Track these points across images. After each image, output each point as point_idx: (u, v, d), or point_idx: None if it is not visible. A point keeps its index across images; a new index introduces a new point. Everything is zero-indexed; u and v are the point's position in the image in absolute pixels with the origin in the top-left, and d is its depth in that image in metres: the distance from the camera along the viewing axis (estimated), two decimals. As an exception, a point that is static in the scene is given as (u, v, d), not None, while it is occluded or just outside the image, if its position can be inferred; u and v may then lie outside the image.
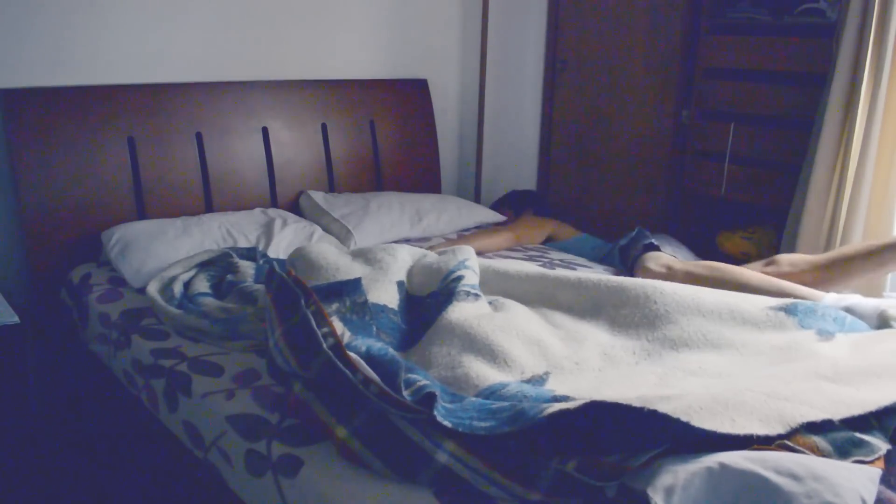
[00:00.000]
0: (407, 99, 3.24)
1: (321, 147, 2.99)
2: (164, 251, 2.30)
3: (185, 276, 2.17)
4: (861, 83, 2.18)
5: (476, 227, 2.98)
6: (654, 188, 2.90)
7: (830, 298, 1.88)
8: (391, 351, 1.54)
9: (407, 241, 2.70)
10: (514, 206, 3.14)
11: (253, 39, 2.85)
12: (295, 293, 1.58)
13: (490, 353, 1.59)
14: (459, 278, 1.88)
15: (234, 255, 2.26)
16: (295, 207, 2.89)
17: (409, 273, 2.01)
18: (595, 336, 1.73)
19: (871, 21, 2.14)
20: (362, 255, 2.03)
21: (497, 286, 2.01)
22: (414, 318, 1.85)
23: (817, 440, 1.26)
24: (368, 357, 1.49)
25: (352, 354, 1.45)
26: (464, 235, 2.83)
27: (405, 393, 1.37)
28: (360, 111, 3.09)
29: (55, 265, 2.44)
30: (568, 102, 3.16)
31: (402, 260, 2.03)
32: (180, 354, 1.85)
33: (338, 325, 1.65)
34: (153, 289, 2.09)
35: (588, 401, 1.23)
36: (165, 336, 1.95)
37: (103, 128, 2.51)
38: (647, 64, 2.84)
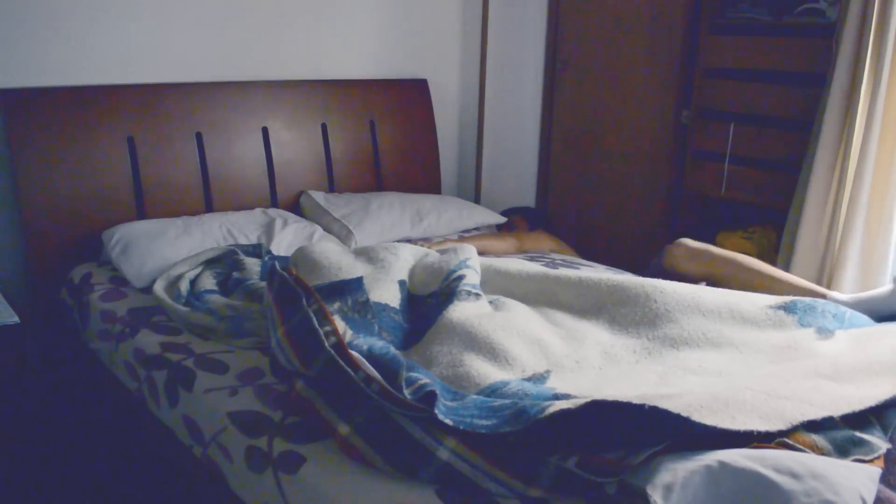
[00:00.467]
0: (407, 99, 3.24)
1: (321, 147, 2.99)
2: (165, 251, 2.30)
3: (192, 274, 2.18)
4: (861, 83, 2.18)
5: (476, 228, 2.98)
6: (654, 188, 2.90)
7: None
8: (393, 350, 1.54)
9: (408, 240, 2.70)
10: (529, 219, 3.12)
11: (253, 39, 2.85)
12: (296, 292, 1.58)
13: (491, 352, 1.59)
14: (461, 278, 1.88)
15: (240, 253, 2.26)
16: (295, 207, 2.89)
17: (411, 272, 2.02)
18: (595, 335, 1.74)
19: (871, 21, 2.14)
20: (364, 254, 2.04)
21: (498, 285, 2.01)
22: (415, 317, 1.85)
23: (817, 439, 1.27)
24: (370, 356, 1.49)
25: (353, 353, 1.46)
26: (464, 236, 2.83)
27: (406, 391, 1.37)
28: (360, 111, 3.09)
29: (55, 265, 2.44)
30: (568, 102, 3.16)
31: (404, 259, 2.03)
32: (189, 350, 1.85)
33: (340, 324, 1.65)
34: (160, 287, 2.09)
35: (589, 400, 1.23)
36: (177, 332, 1.96)
37: (103, 128, 2.51)
38: (647, 64, 2.85)
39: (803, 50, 2.41)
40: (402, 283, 1.94)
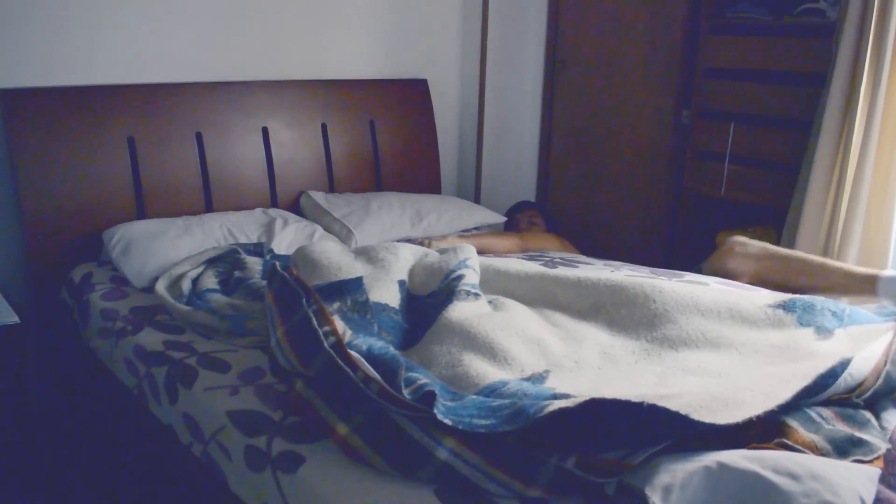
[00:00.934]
0: (407, 99, 3.24)
1: (321, 147, 3.00)
2: (165, 251, 2.30)
3: (193, 273, 2.18)
4: (861, 83, 2.18)
5: (476, 228, 2.98)
6: (654, 188, 2.90)
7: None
8: (392, 350, 1.54)
9: (408, 240, 2.70)
10: (546, 218, 3.08)
11: (253, 39, 2.85)
12: (296, 292, 1.59)
13: (490, 352, 1.59)
14: (460, 277, 1.88)
15: (242, 252, 2.27)
16: (295, 207, 2.89)
17: (411, 272, 2.02)
18: (594, 335, 1.74)
19: (871, 21, 2.14)
20: (364, 254, 2.04)
21: (497, 285, 2.01)
22: (415, 316, 1.85)
23: (816, 439, 1.27)
24: (369, 356, 1.50)
25: (353, 353, 1.46)
26: (464, 236, 2.83)
27: (405, 391, 1.37)
28: (360, 111, 3.09)
29: (55, 265, 2.45)
30: (568, 102, 3.16)
31: (404, 259, 2.03)
32: (191, 348, 1.86)
33: (339, 324, 1.65)
34: (161, 286, 2.09)
35: (588, 399, 1.23)
36: (181, 330, 1.96)
37: (103, 128, 2.51)
38: (647, 64, 2.85)
39: (803, 50, 2.41)
40: (401, 283, 1.94)
